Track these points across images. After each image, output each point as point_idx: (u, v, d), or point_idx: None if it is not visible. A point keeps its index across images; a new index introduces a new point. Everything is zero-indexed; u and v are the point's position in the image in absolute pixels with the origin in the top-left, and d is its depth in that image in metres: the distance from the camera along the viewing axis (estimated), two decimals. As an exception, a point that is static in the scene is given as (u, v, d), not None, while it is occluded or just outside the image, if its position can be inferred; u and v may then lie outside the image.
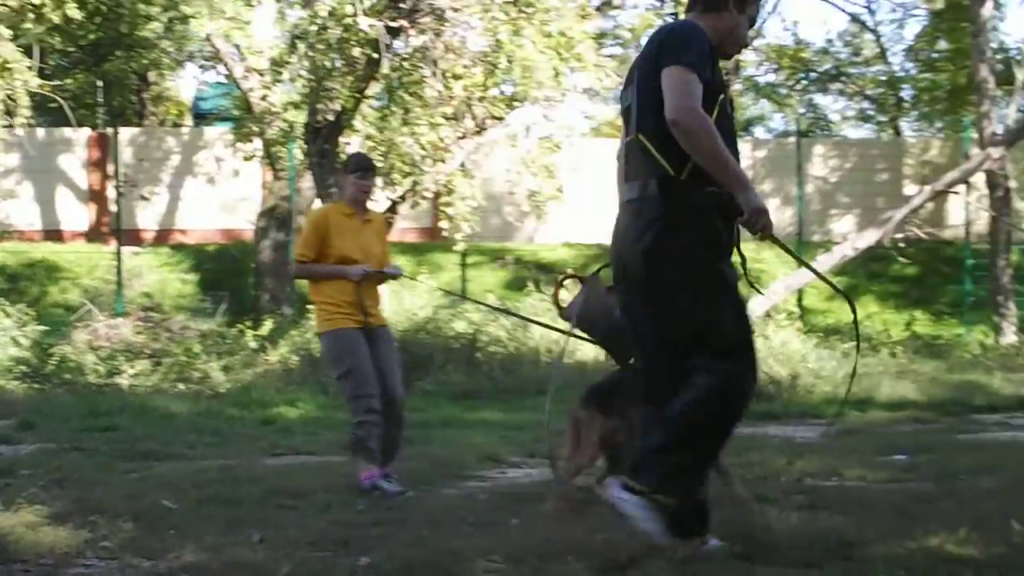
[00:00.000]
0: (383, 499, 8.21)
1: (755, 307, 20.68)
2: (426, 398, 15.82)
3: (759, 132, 47.89)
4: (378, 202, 21.47)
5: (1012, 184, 24.75)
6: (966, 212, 26.94)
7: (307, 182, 22.11)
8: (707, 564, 5.50)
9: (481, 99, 19.80)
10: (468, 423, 13.64)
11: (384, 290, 20.05)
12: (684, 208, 5.68)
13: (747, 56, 38.16)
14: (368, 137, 20.51)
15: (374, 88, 19.91)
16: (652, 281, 5.71)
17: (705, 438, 5.71)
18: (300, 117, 20.45)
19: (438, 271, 28.00)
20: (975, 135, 25.20)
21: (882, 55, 39.32)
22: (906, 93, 37.96)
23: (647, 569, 5.43)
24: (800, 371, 16.68)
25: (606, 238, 22.16)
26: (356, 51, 18.52)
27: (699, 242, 5.67)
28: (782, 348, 17.99)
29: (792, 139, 32.10)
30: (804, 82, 40.24)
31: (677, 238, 5.67)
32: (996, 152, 22.31)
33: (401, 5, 18.07)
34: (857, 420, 13.70)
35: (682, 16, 6.38)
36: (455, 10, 17.66)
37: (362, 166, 8.88)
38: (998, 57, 29.28)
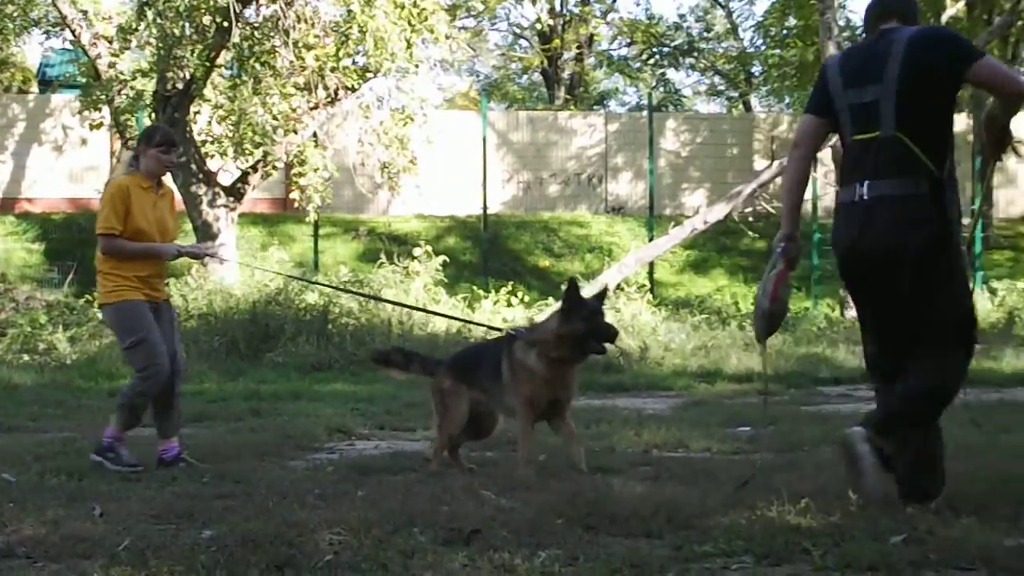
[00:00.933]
0: (115, 465, 8.20)
1: (608, 279, 20.88)
2: (276, 370, 15.72)
3: (613, 106, 48.21)
4: (229, 172, 21.25)
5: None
6: (813, 187, 27.36)
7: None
8: (550, 533, 5.52)
9: (333, 69, 19.65)
10: (318, 395, 13.55)
11: (234, 262, 19.92)
12: (951, 206, 6.11)
13: (601, 30, 38.47)
14: (218, 106, 20.26)
15: (225, 57, 19.66)
16: (933, 270, 6.09)
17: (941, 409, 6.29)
18: (149, 85, 20.14)
19: (290, 242, 27.78)
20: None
21: (733, 31, 39.80)
22: (756, 69, 38.49)
23: (490, 539, 5.43)
24: (650, 344, 16.85)
25: (459, 210, 22.21)
26: (206, 19, 18.26)
27: (959, 238, 6.18)
28: (632, 321, 18.17)
29: (645, 113, 32.33)
30: (656, 57, 40.59)
31: (951, 234, 6.10)
32: (842, 129, 22.63)
33: (252, -27, 17.88)
34: (705, 392, 13.87)
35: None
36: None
37: (167, 140, 8.68)
38: (845, 35, 29.76)
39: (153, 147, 8.54)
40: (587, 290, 19.83)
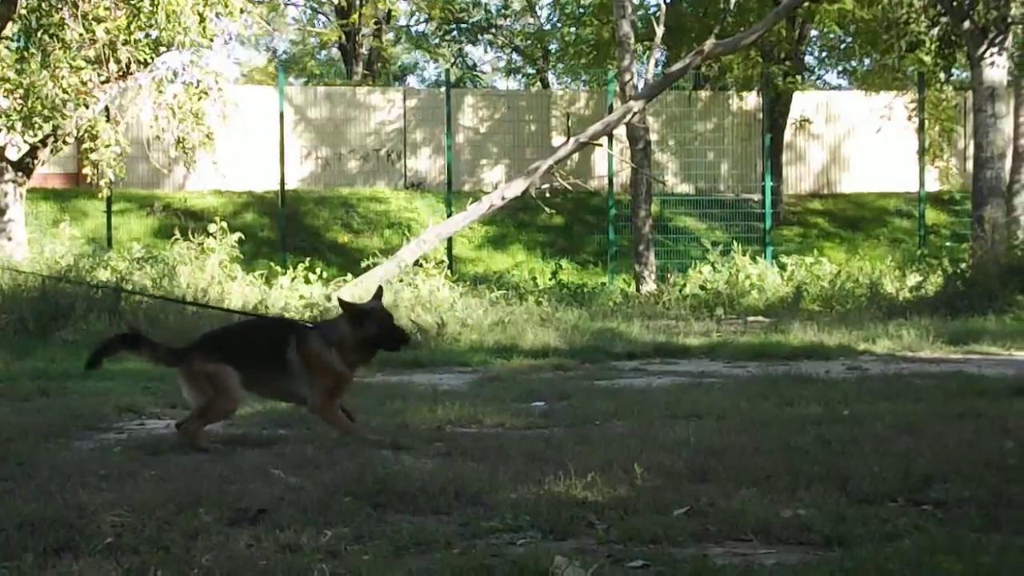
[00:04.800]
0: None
1: (407, 255, 20.88)
2: (66, 348, 15.33)
3: (412, 82, 48.14)
4: (16, 147, 20.71)
5: (652, 137, 25.60)
6: (609, 164, 27.72)
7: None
8: (337, 512, 5.52)
9: (125, 43, 19.25)
10: (109, 374, 13.20)
11: (22, 236, 19.45)
12: None
13: (399, 5, 38.31)
14: (4, 79, 19.71)
15: (11, 29, 19.13)
16: None
17: None
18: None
19: (82, 218, 27.27)
20: (618, 89, 25.93)
21: (530, 8, 40.02)
22: (553, 46, 38.78)
23: (277, 518, 5.40)
24: (447, 319, 16.87)
25: (257, 186, 21.99)
26: (-11, -13, 17.77)
27: None
28: (430, 296, 18.20)
29: (443, 90, 32.35)
30: (455, 33, 40.63)
31: None
32: (637, 106, 22.98)
33: (39, -58, 17.43)
34: (501, 368, 13.94)
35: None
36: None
37: None
38: (639, 13, 30.19)
39: None
40: (376, 274, 19.93)
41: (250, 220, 28.54)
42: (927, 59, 25.95)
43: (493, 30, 39.70)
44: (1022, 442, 7.29)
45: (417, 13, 39.20)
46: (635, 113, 23.05)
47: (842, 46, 33.94)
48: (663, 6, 27.13)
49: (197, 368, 8.23)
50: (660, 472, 6.27)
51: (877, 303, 20.98)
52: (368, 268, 21.31)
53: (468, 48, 43.18)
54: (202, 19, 17.70)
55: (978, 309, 19.08)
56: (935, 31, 23.92)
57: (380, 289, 8.77)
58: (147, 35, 19.54)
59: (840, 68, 35.66)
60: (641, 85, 24.83)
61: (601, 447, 7.11)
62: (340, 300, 8.35)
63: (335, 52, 43.03)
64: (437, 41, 40.92)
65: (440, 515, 5.60)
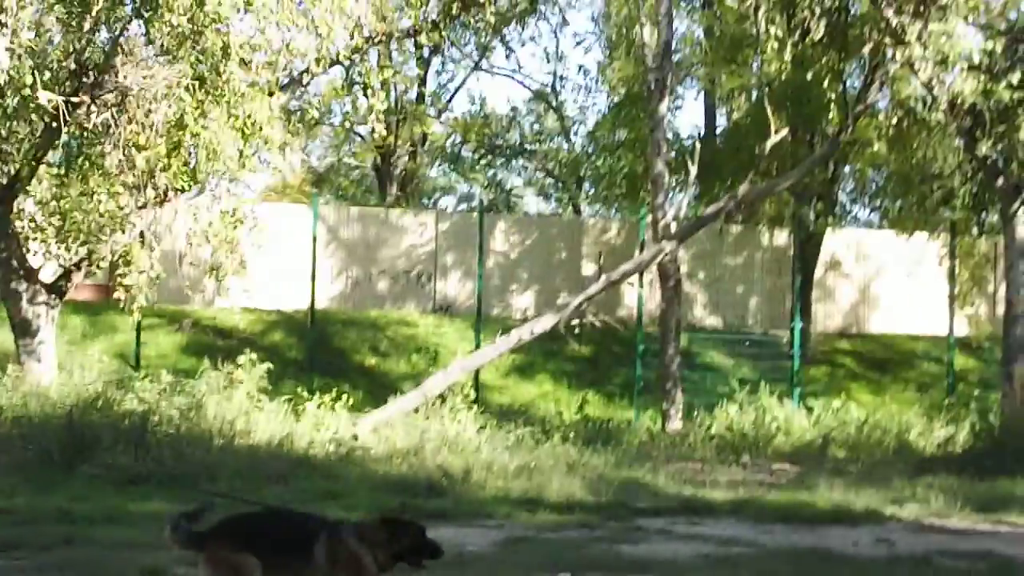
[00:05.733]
0: None
1: (432, 386, 20.89)
2: (91, 484, 15.33)
3: (445, 200, 48.49)
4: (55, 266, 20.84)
5: (682, 268, 25.74)
6: (639, 303, 27.79)
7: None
8: None
9: (163, 170, 19.41)
10: (133, 518, 13.24)
11: (52, 359, 19.52)
12: None
13: (436, 128, 38.68)
14: (42, 203, 19.93)
15: (52, 155, 19.35)
16: None
17: None
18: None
19: (112, 333, 27.37)
20: (649, 225, 26.09)
21: (565, 134, 40.32)
22: (587, 174, 38.99)
23: None
24: (473, 463, 16.82)
25: (286, 303, 21.93)
26: (34, 117, 17.98)
27: None
28: (456, 438, 18.18)
29: (476, 214, 32.52)
30: (489, 156, 40.95)
31: None
32: (669, 246, 23.07)
33: (84, 79, 17.64)
34: (527, 523, 13.88)
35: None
36: (141, 89, 17.29)
37: None
38: (675, 146, 30.38)
39: None
40: (401, 404, 19.93)
41: (278, 339, 28.62)
42: (960, 213, 26.06)
43: (527, 154, 40.01)
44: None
45: (453, 135, 39.53)
46: (667, 253, 23.12)
47: (874, 187, 34.06)
48: (697, 145, 27.26)
49: (221, 556, 8.18)
50: None
51: (904, 457, 20.85)
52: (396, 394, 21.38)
53: (502, 172, 43.45)
54: (242, 155, 17.86)
55: (1007, 470, 18.88)
56: (968, 186, 24.03)
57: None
58: (185, 163, 19.70)
59: (872, 207, 35.74)
60: (673, 222, 24.91)
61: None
62: (382, 517, 8.29)
63: (368, 170, 43.33)
64: (471, 163, 41.23)
65: None
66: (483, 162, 40.88)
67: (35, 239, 20.34)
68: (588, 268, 32.28)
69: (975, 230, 28.17)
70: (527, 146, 39.82)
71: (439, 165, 43.61)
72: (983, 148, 21.66)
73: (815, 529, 14.15)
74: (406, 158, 39.19)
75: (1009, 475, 18.68)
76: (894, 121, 23.90)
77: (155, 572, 10.13)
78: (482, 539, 12.62)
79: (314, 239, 27.11)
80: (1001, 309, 24.31)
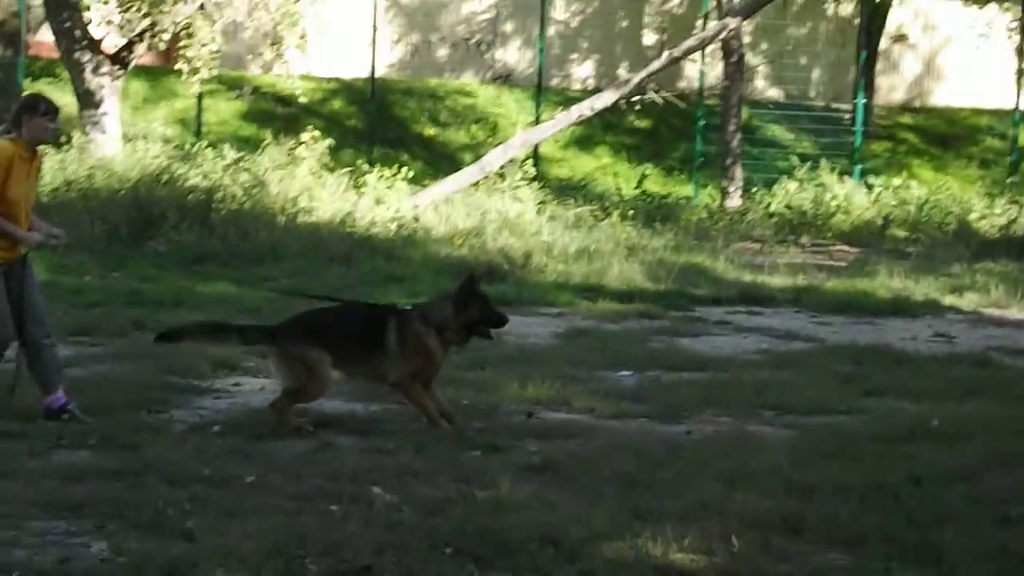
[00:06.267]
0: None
1: (492, 160, 20.88)
2: (158, 263, 15.56)
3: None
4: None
5: (744, 39, 25.42)
6: (701, 78, 27.50)
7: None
8: (438, 570, 5.65)
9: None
10: (201, 300, 13.46)
11: (116, 130, 19.60)
12: None
13: None
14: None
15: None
16: None
17: None
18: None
19: (172, 98, 27.37)
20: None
21: None
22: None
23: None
24: (533, 245, 16.92)
25: (342, 71, 21.94)
26: None
27: None
28: (517, 219, 18.25)
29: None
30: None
31: None
32: (733, 23, 22.69)
33: None
34: (587, 311, 14.03)
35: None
36: None
37: (53, 108, 8.57)
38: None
39: (39, 116, 8.36)
40: (461, 178, 19.94)
41: (337, 108, 28.54)
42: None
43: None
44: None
45: None
46: (731, 30, 22.77)
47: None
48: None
49: (292, 352, 8.38)
50: (753, 524, 6.33)
51: (964, 239, 20.78)
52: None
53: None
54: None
55: (1068, 255, 18.82)
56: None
57: (484, 271, 8.88)
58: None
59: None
60: (738, -3, 24.46)
61: (693, 479, 7.16)
62: (470, 275, 8.78)
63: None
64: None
65: (539, 573, 5.72)
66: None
67: (98, 8, 20.27)
68: (649, 38, 31.83)
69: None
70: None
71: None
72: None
73: (874, 321, 14.23)
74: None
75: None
76: None
77: (226, 363, 10.32)
78: (544, 329, 12.79)
79: (374, 9, 26.89)
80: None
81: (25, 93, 11.06)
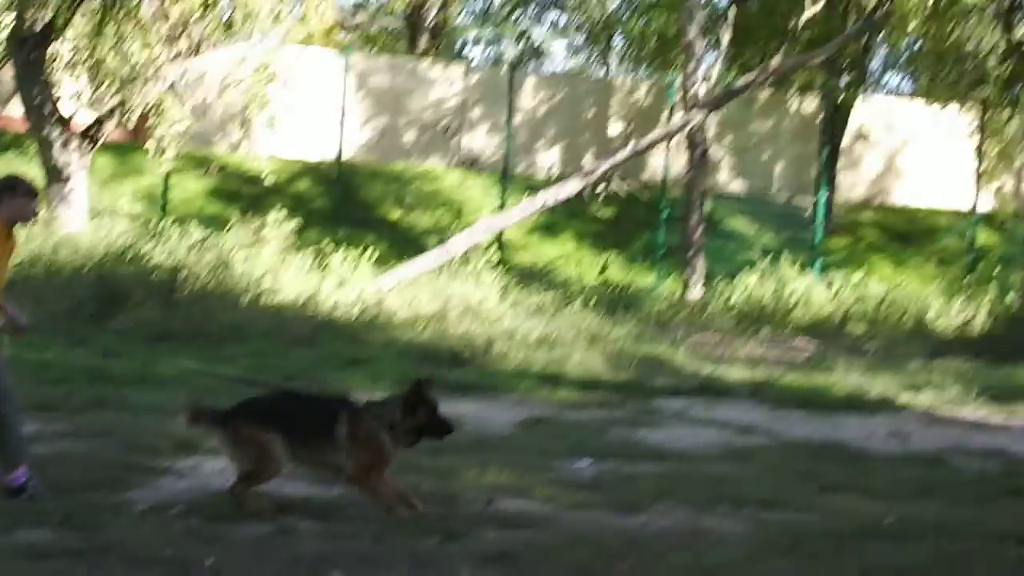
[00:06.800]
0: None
1: (457, 245, 21.05)
2: (121, 340, 15.61)
3: (473, 53, 48.18)
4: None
5: (708, 133, 25.77)
6: (665, 168, 27.80)
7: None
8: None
9: (197, 21, 19.46)
10: (164, 379, 13.51)
11: (84, 206, 19.68)
12: None
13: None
14: (77, 49, 20.00)
15: (88, 3, 19.37)
16: None
17: None
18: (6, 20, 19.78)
19: (139, 175, 27.47)
20: (679, 92, 26.05)
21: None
22: (618, 37, 38.66)
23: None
24: (495, 333, 17.03)
25: (309, 152, 22.03)
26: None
27: None
28: (480, 305, 18.39)
29: (504, 68, 32.33)
30: (520, 11, 40.63)
31: None
32: (698, 116, 23.04)
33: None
34: (547, 399, 14.13)
35: None
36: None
37: (34, 191, 8.72)
38: (706, 7, 30.02)
39: (20, 196, 8.46)
40: (425, 262, 20.08)
41: (303, 189, 28.68)
42: (992, 90, 25.95)
43: (559, 9, 39.75)
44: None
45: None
46: (695, 123, 23.11)
47: (907, 55, 33.76)
48: (730, 12, 27.06)
49: (245, 434, 8.46)
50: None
51: (921, 337, 21.01)
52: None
53: (533, 24, 43.14)
54: (278, 17, 17.90)
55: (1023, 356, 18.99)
56: (1002, 68, 23.88)
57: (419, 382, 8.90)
58: (220, 19, 19.74)
59: (904, 73, 35.41)
60: (703, 90, 24.80)
61: (649, 572, 7.24)
62: (417, 381, 8.76)
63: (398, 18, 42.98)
64: (504, 17, 40.93)
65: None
66: (513, 17, 40.60)
67: (70, 79, 20.42)
68: (615, 128, 32.16)
69: (1006, 112, 27.90)
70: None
71: (468, 13, 43.31)
72: (1019, 31, 21.51)
73: (831, 417, 14.37)
74: (437, 6, 38.88)
75: (1025, 362, 18.82)
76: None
77: (187, 443, 10.34)
78: (504, 417, 12.88)
79: (344, 95, 27.14)
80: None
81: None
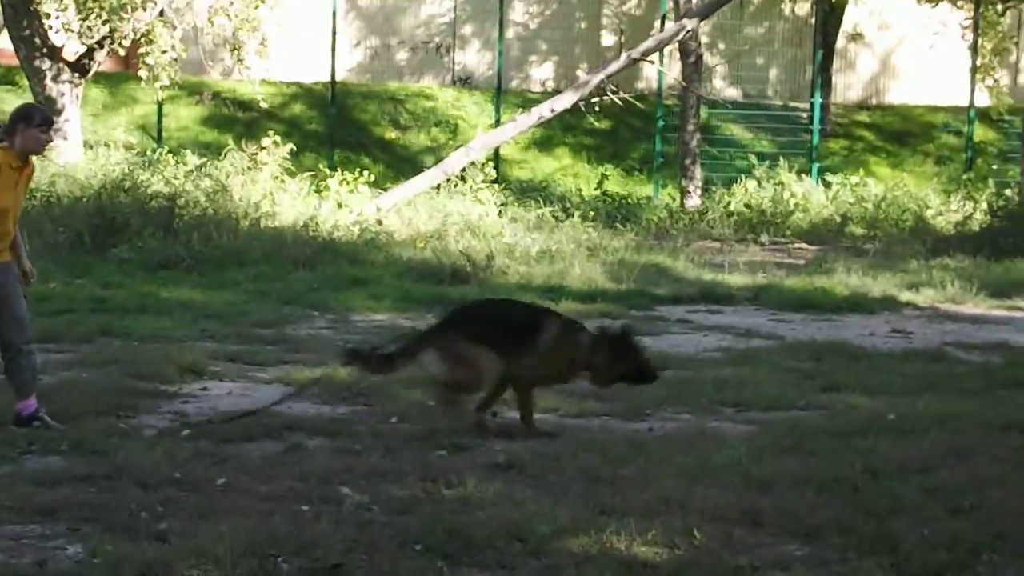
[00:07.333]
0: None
1: (453, 163, 21.02)
2: (122, 268, 15.64)
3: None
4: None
5: (702, 39, 25.63)
6: (659, 80, 27.67)
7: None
8: (410, 568, 5.78)
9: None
10: (165, 305, 13.55)
11: (78, 137, 19.64)
12: None
13: None
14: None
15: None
16: None
17: None
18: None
19: (133, 104, 27.41)
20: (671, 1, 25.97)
21: None
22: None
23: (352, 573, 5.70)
24: (496, 249, 17.01)
25: (303, 75, 21.93)
26: None
27: None
28: (479, 222, 18.39)
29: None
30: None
31: None
32: (691, 24, 22.89)
33: None
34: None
35: None
36: None
37: (47, 119, 8.69)
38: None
39: (34, 126, 8.45)
40: (421, 181, 20.07)
41: (298, 112, 28.62)
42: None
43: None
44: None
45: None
46: (688, 31, 22.97)
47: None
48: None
49: (457, 351, 8.58)
50: (714, 517, 6.49)
51: (921, 235, 21.04)
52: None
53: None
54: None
55: (1022, 250, 19.00)
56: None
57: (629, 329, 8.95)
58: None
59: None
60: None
61: (655, 474, 7.30)
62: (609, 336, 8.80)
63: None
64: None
65: (509, 570, 5.86)
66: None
67: (58, 15, 20.30)
68: (608, 39, 32.05)
69: (999, 7, 27.76)
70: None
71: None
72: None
73: (832, 318, 14.44)
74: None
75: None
76: None
77: (193, 368, 10.40)
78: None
79: (334, 14, 26.94)
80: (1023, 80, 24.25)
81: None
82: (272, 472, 7.40)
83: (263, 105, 23.59)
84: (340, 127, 27.66)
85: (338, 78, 27.91)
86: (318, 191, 19.96)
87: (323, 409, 9.18)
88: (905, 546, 6.10)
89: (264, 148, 19.25)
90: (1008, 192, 22.89)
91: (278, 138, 19.67)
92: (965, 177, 25.89)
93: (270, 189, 18.72)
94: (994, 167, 26.99)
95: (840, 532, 6.38)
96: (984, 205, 22.22)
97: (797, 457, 7.76)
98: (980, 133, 29.45)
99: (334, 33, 26.97)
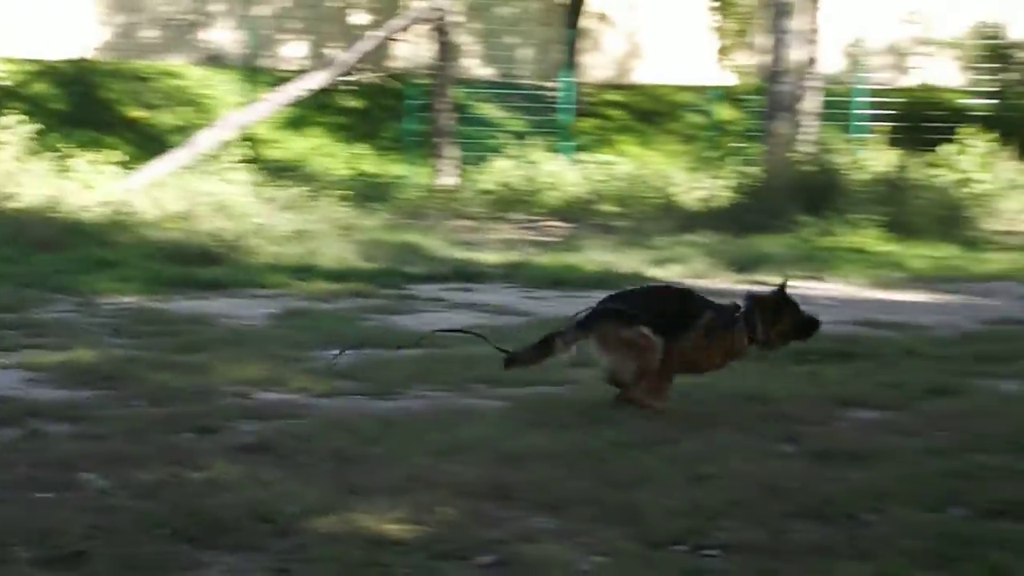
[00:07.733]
0: None
1: (203, 142, 20.72)
2: None
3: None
4: None
5: (457, 20, 25.75)
6: (411, 57, 27.70)
7: None
8: (153, 552, 5.66)
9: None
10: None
11: None
12: None
13: None
14: None
15: None
16: None
17: None
18: None
19: None
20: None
21: None
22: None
23: (94, 565, 5.53)
24: (246, 229, 16.83)
25: (46, 53, 21.35)
26: None
27: None
28: (230, 202, 18.16)
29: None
30: None
31: None
32: (441, 2, 22.97)
33: None
34: (300, 292, 14.06)
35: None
36: None
37: None
38: None
39: None
40: (170, 161, 19.71)
41: (41, 91, 27.82)
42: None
43: None
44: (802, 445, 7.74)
45: None
46: (438, 9, 23.04)
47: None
48: None
49: (624, 335, 8.41)
50: (464, 493, 6.52)
51: (670, 212, 21.51)
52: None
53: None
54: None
55: (765, 226, 19.60)
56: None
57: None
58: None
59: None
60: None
61: (405, 452, 7.30)
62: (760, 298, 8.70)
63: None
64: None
65: (255, 551, 5.78)
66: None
67: None
68: (359, 18, 31.89)
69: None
70: None
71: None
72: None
73: (582, 294, 14.62)
74: None
75: (766, 231, 19.45)
76: None
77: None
78: (258, 311, 12.78)
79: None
80: (765, 60, 24.95)
81: None
82: (9, 459, 7.16)
83: (4, 83, 22.83)
84: (86, 106, 27.00)
85: (84, 55, 27.22)
86: (63, 172, 19.43)
87: (63, 393, 8.92)
88: (648, 514, 6.21)
89: (7, 128, 18.66)
90: (751, 169, 23.54)
91: (21, 116, 19.09)
92: (710, 155, 26.54)
93: (11, 170, 18.16)
94: (738, 145, 27.72)
95: (587, 503, 6.45)
96: (728, 183, 22.83)
97: (548, 432, 7.82)
98: (725, 112, 30.22)
99: (79, 8, 26.27)
